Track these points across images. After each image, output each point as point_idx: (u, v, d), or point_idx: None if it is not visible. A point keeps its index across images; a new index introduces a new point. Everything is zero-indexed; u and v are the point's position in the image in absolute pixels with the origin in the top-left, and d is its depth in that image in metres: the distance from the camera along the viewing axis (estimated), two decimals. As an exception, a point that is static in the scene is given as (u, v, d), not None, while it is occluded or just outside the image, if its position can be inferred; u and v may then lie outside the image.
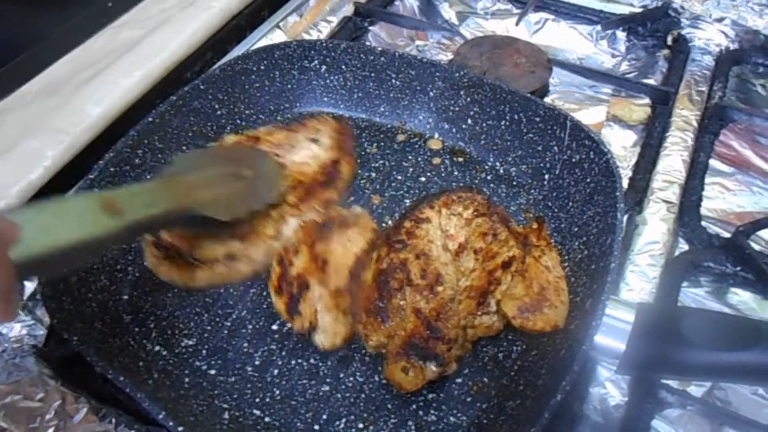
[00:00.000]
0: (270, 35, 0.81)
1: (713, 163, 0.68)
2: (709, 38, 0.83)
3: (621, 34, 0.87)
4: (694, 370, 0.41)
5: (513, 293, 0.46)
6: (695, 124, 0.71)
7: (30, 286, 0.55)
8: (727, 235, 0.60)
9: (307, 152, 0.59)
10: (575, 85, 0.79)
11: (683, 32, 0.84)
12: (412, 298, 0.47)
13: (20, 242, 0.31)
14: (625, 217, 0.59)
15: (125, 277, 0.54)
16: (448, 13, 0.94)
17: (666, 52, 0.85)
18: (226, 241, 0.52)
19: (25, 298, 0.55)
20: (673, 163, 0.66)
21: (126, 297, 0.52)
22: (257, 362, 0.49)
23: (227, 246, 0.51)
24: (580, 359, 0.40)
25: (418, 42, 0.87)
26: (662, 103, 0.74)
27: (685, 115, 0.72)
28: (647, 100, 0.76)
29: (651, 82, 0.79)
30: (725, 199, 0.65)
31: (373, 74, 0.67)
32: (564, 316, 0.46)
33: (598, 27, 0.88)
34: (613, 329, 0.43)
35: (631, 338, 0.42)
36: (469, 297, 0.47)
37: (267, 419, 0.45)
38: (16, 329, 0.53)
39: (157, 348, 0.49)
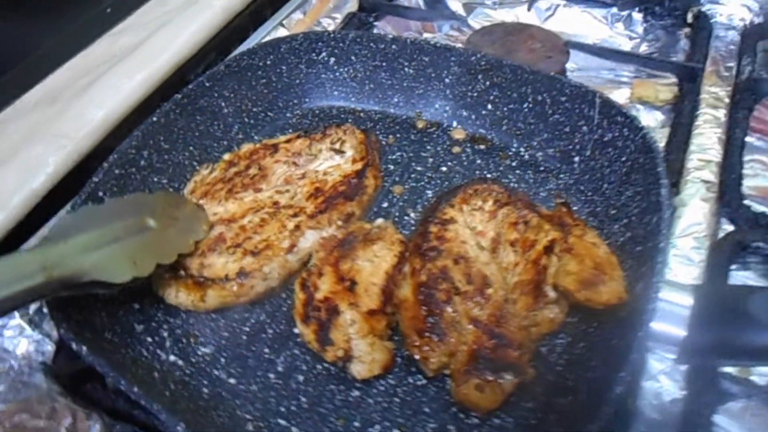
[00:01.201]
0: (273, 33, 0.79)
1: (749, 139, 0.65)
2: (732, 13, 0.80)
3: (637, 15, 0.85)
4: (762, 355, 0.38)
5: (568, 269, 0.42)
6: (726, 100, 0.68)
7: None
8: (774, 212, 0.56)
9: (329, 162, 0.56)
10: (593, 69, 0.77)
11: (703, 9, 0.81)
12: (464, 306, 0.43)
13: None
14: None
15: (135, 286, 0.51)
16: (454, 4, 0.92)
17: (687, 30, 0.82)
18: (238, 255, 0.49)
19: (30, 311, 0.52)
20: (707, 141, 0.63)
21: (137, 306, 0.50)
22: (280, 368, 0.46)
23: (240, 262, 0.48)
24: (637, 347, 0.36)
25: (426, 35, 0.85)
26: (690, 80, 0.71)
27: (715, 92, 0.69)
28: (673, 79, 0.73)
29: (675, 60, 0.77)
30: (766, 176, 0.62)
31: (384, 63, 0.65)
32: (624, 288, 0.42)
33: (614, 9, 0.85)
34: (670, 314, 0.40)
35: (691, 323, 0.39)
36: (523, 293, 0.44)
37: (294, 429, 0.42)
38: (23, 345, 0.50)
39: (172, 358, 0.46)
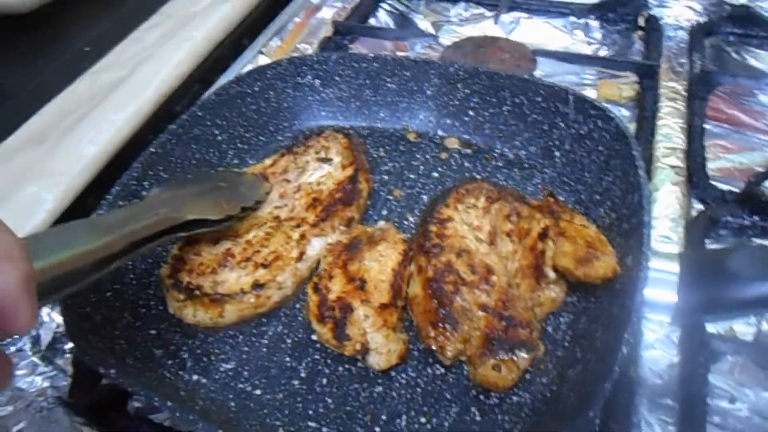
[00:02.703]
0: (254, 61, 0.83)
1: (707, 126, 0.72)
2: (679, 14, 0.89)
3: (594, 23, 0.93)
4: (748, 304, 0.43)
5: (564, 251, 0.47)
6: (684, 93, 0.75)
7: (46, 335, 0.54)
8: (737, 190, 0.63)
9: (319, 172, 0.60)
10: (560, 74, 0.83)
11: (653, 12, 0.90)
12: (472, 295, 0.47)
13: (33, 257, 0.33)
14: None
15: (149, 312, 0.53)
16: (423, 23, 0.98)
17: (640, 32, 0.90)
18: (250, 269, 0.51)
19: (43, 347, 0.53)
20: (670, 131, 0.70)
21: (154, 332, 0.51)
22: (303, 374, 0.48)
23: (253, 275, 0.51)
24: (635, 311, 0.41)
25: (399, 53, 0.91)
26: (649, 77, 0.78)
27: (672, 86, 0.76)
28: (634, 78, 0.80)
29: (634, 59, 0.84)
30: (726, 158, 0.68)
31: (368, 81, 0.69)
32: (617, 262, 0.47)
33: (572, 18, 0.93)
34: (660, 282, 0.45)
35: (680, 287, 0.44)
36: (525, 277, 0.48)
37: (325, 429, 0.45)
38: (37, 382, 0.51)
39: (195, 377, 0.48)
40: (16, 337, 0.53)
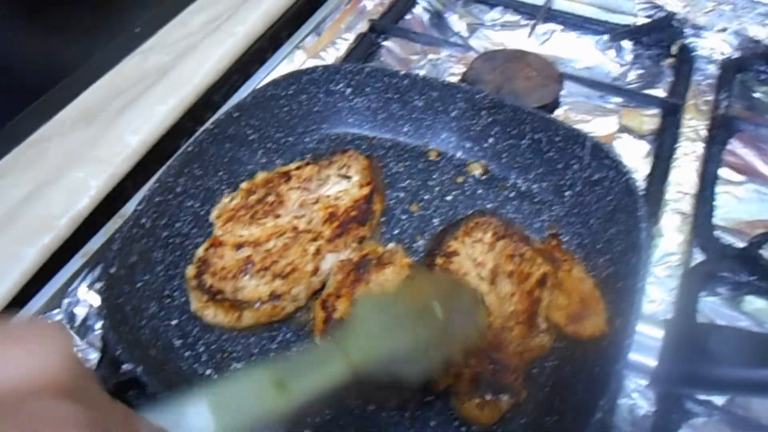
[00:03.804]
0: (291, 56, 0.81)
1: (723, 172, 0.68)
2: (713, 47, 0.83)
3: (627, 44, 0.87)
4: (722, 386, 0.42)
5: (558, 304, 0.47)
6: (704, 134, 0.71)
7: (81, 313, 0.56)
8: (740, 244, 0.60)
9: (337, 187, 0.59)
10: (585, 96, 0.79)
11: (686, 42, 0.84)
12: None
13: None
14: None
15: (172, 303, 0.54)
16: (458, 25, 0.93)
17: (671, 60, 0.84)
18: (268, 278, 0.52)
19: (77, 324, 0.56)
20: (685, 173, 0.66)
21: (175, 322, 0.53)
22: (305, 382, 0.49)
23: (270, 285, 0.51)
24: (616, 378, 0.41)
25: (430, 56, 0.87)
26: (671, 114, 0.74)
27: (694, 126, 0.72)
28: (657, 110, 0.76)
29: (659, 92, 0.79)
30: (736, 207, 0.65)
31: (396, 96, 0.67)
32: (605, 321, 0.47)
33: (605, 37, 0.87)
34: (644, 345, 0.44)
35: (662, 354, 0.43)
36: (518, 322, 0.47)
37: (320, 437, 0.46)
38: (71, 354, 0.54)
39: (208, 371, 0.50)
40: (55, 311, 0.55)
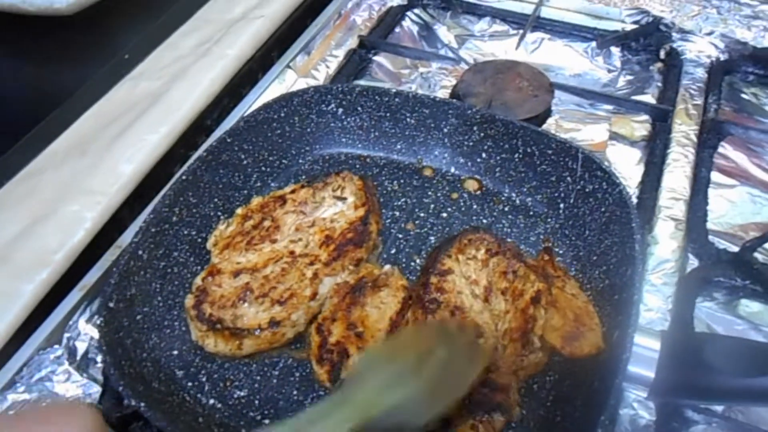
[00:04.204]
0: (282, 76, 0.82)
1: (715, 176, 0.70)
2: (700, 50, 0.84)
3: (615, 50, 0.88)
4: (719, 396, 0.43)
5: (553, 324, 0.48)
6: (694, 138, 0.72)
7: (81, 347, 0.57)
8: (734, 248, 0.61)
9: (333, 209, 0.60)
10: (576, 104, 0.81)
11: (675, 45, 0.85)
12: None
13: None
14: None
15: (173, 333, 0.55)
16: (447, 36, 0.95)
17: (659, 65, 0.86)
18: (267, 305, 0.52)
19: (78, 358, 0.56)
20: (677, 179, 0.68)
21: (176, 352, 0.54)
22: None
23: (269, 312, 0.52)
24: (615, 393, 0.41)
25: (421, 69, 0.88)
26: (661, 120, 0.75)
27: (684, 131, 0.73)
28: (647, 117, 0.77)
29: (648, 98, 0.81)
30: (729, 211, 0.66)
31: (388, 114, 0.68)
32: (601, 337, 0.48)
33: (593, 44, 0.89)
34: (641, 357, 0.45)
35: (659, 367, 0.44)
36: (512, 340, 0.48)
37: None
38: (71, 389, 0.54)
39: (212, 401, 0.51)
40: (56, 346, 0.56)
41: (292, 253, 0.57)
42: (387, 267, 0.56)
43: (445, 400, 0.40)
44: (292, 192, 0.62)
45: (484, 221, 0.62)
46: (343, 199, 0.60)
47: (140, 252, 0.54)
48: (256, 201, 0.62)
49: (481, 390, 0.45)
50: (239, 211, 0.61)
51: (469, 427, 0.45)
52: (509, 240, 0.58)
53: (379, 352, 0.43)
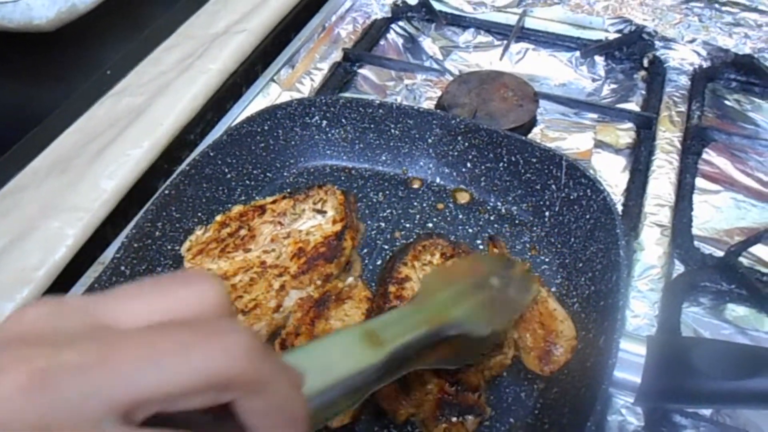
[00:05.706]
0: (266, 89, 0.84)
1: (699, 182, 0.72)
2: (683, 58, 0.87)
3: (599, 59, 0.92)
4: (706, 399, 0.44)
5: (527, 346, 0.49)
6: (679, 145, 0.75)
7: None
8: (720, 253, 0.63)
9: (311, 222, 0.61)
10: (561, 113, 0.83)
11: (658, 54, 0.89)
12: None
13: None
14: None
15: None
16: (431, 48, 0.98)
17: (643, 73, 0.89)
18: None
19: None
20: (661, 186, 0.70)
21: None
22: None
23: None
24: (601, 398, 0.43)
25: (406, 81, 0.91)
26: (646, 127, 0.78)
27: (668, 137, 0.76)
28: (631, 124, 0.80)
29: (632, 106, 0.84)
30: (714, 216, 0.69)
31: (372, 125, 0.70)
32: (574, 330, 0.49)
33: (577, 53, 0.92)
34: (627, 363, 0.46)
35: (645, 372, 0.45)
36: None
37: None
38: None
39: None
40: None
41: (263, 263, 0.58)
42: (350, 279, 0.57)
43: (505, 318, 0.47)
44: (273, 202, 0.63)
45: (470, 230, 0.64)
46: (323, 212, 0.61)
47: (123, 268, 0.55)
48: (236, 209, 0.63)
49: (451, 390, 0.47)
50: (218, 218, 0.62)
51: (443, 430, 0.46)
52: (462, 242, 0.60)
53: (437, 277, 0.48)
